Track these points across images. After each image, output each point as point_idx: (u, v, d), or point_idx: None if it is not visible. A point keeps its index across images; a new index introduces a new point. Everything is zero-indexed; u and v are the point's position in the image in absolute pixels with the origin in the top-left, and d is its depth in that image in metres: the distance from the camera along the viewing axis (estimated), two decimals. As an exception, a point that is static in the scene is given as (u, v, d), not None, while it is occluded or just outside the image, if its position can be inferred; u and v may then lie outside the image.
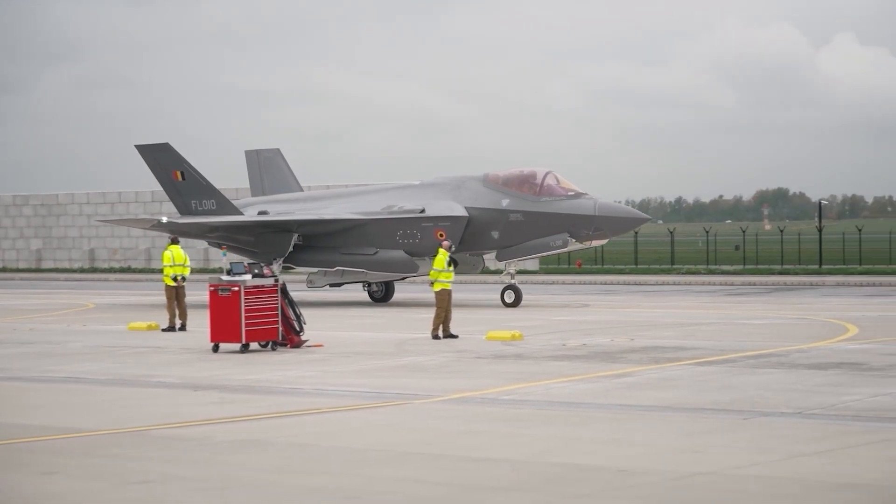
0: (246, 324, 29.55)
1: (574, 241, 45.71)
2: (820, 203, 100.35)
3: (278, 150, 56.09)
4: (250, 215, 50.42)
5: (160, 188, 53.98)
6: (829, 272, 67.65)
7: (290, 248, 48.74)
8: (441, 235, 45.94)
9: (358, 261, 48.12)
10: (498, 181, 47.24)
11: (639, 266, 77.17)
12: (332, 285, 50.03)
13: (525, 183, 46.60)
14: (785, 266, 71.54)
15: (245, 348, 29.55)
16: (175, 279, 36.41)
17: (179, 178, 51.58)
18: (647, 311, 42.49)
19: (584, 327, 35.46)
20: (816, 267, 71.13)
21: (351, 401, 20.77)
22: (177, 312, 36.28)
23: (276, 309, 30.11)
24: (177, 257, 36.88)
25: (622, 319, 38.73)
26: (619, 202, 52.91)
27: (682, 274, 68.74)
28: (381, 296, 50.54)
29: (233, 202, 51.89)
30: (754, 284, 60.20)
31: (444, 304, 32.64)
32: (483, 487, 13.72)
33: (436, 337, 32.38)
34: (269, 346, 29.97)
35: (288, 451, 16.03)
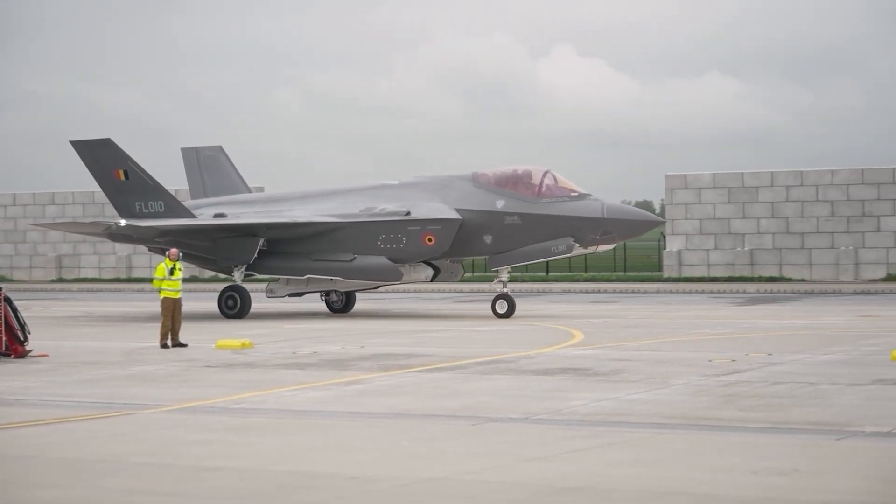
0: (-33, 333, 28.67)
1: (578, 245, 42.24)
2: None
3: (220, 147, 51.83)
4: (205, 218, 46.24)
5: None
6: (555, 279, 69.18)
7: (255, 255, 44.75)
8: (430, 240, 43.03)
9: (332, 268, 44.25)
10: (490, 181, 43.59)
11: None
12: (292, 294, 46.32)
13: (521, 182, 43.00)
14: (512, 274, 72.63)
15: (-33, 359, 28.68)
16: None
17: (122, 177, 47.22)
18: (381, 319, 42.72)
19: (316, 335, 35.46)
20: (543, 274, 72.61)
21: (77, 411, 20.32)
22: None
23: (-1, 318, 29.29)
24: None
25: (354, 327, 38.86)
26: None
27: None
28: (341, 306, 47.28)
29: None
30: (483, 291, 61.06)
31: (169, 312, 32.21)
32: (214, 497, 13.60)
33: (164, 346, 31.96)
34: (-8, 356, 29.14)
35: (12, 464, 15.60)
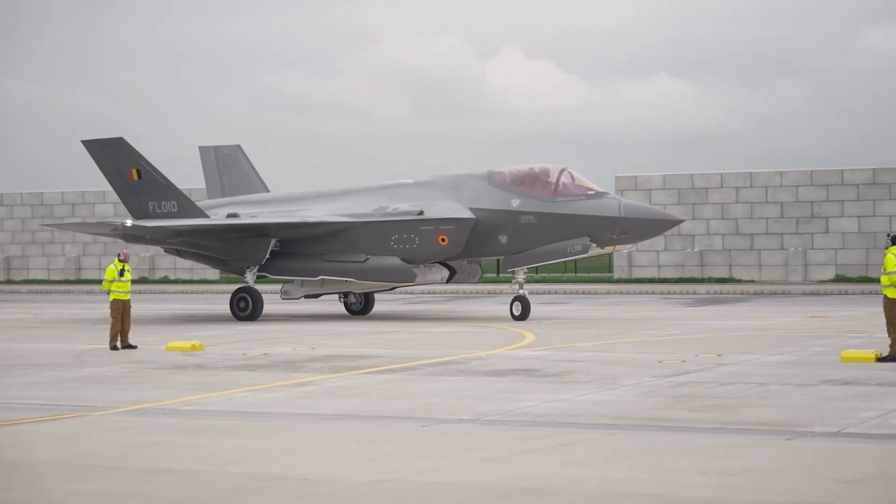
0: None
1: (595, 245, 40.95)
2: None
3: (239, 146, 50.94)
4: (217, 218, 45.38)
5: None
6: (507, 280, 69.26)
7: (267, 255, 43.83)
8: (443, 240, 42.01)
9: (345, 269, 43.19)
10: (505, 179, 42.41)
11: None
12: (307, 297, 45.19)
13: (538, 181, 41.78)
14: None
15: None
16: None
17: (135, 176, 46.20)
18: (334, 321, 42.65)
19: (267, 336, 35.36)
20: (494, 275, 72.72)
21: (26, 414, 20.18)
22: None
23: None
24: None
25: (305, 328, 38.80)
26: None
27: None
28: (360, 308, 46.30)
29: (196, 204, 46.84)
30: (433, 293, 61.13)
31: (118, 314, 32.05)
32: (164, 499, 13.53)
33: (114, 348, 31.79)
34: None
35: (-40, 467, 15.48)
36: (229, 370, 26.50)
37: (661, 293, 60.39)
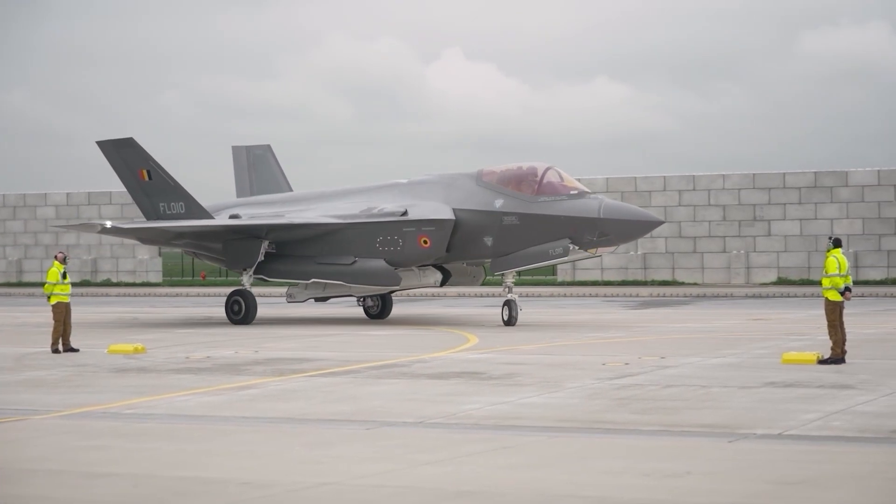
0: None
1: (577, 248, 38.75)
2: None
3: (269, 146, 50.19)
4: (220, 219, 44.47)
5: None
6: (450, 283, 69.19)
7: (260, 258, 42.67)
8: (426, 242, 40.38)
9: (334, 272, 41.81)
10: (493, 178, 40.52)
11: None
12: (317, 300, 43.99)
13: (523, 181, 39.79)
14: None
15: None
16: None
17: (146, 177, 45.65)
18: (276, 325, 42.51)
19: (210, 339, 35.23)
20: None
21: (-34, 418, 20.02)
22: None
23: None
24: None
25: (249, 332, 38.67)
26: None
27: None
28: (378, 311, 44.79)
29: (207, 205, 45.90)
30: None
31: (61, 317, 31.86)
32: (106, 503, 13.48)
33: (56, 351, 31.58)
34: None
35: None
36: (172, 373, 26.37)
37: (605, 296, 60.59)
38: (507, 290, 40.10)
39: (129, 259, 78.73)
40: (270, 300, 55.23)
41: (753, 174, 67.66)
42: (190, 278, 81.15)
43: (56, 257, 32.87)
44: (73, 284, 32.92)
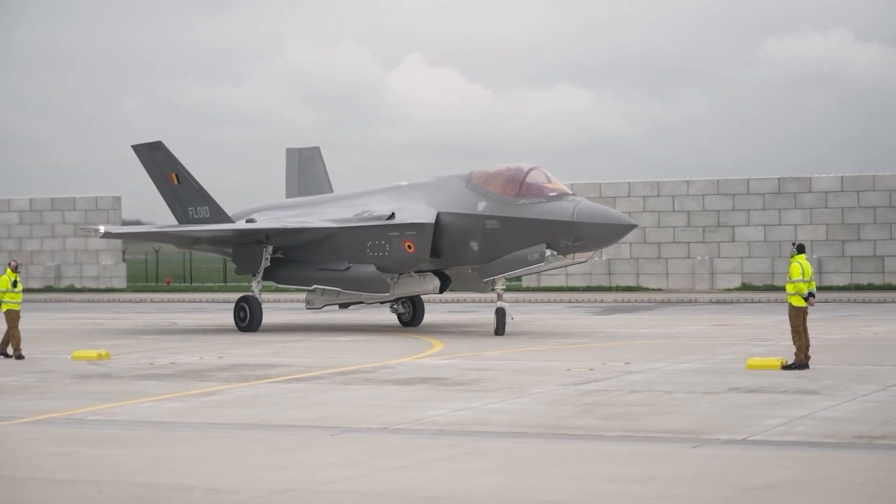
0: None
1: (555, 253, 36.76)
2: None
3: (318, 148, 49.11)
4: (216, 224, 43.62)
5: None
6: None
7: (266, 263, 41.77)
8: (409, 247, 38.89)
9: (332, 277, 40.82)
10: (479, 180, 38.74)
11: (228, 283, 76.98)
12: (342, 306, 43.24)
13: (508, 182, 37.98)
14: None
15: None
16: None
17: (175, 181, 45.33)
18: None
19: (174, 345, 35.12)
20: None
21: (-72, 424, 19.90)
22: None
23: None
24: None
25: (213, 338, 38.55)
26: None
27: (273, 291, 68.79)
28: (409, 318, 42.87)
29: (240, 211, 45.37)
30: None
31: (14, 323, 31.73)
32: (69, 510, 13.42)
33: (6, 355, 31.49)
34: None
35: None
36: (136, 379, 26.29)
37: (569, 302, 60.68)
38: (497, 296, 38.60)
39: (93, 265, 78.31)
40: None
41: (717, 180, 67.85)
42: (154, 283, 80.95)
43: (9, 265, 32.77)
44: (37, 290, 32.87)
